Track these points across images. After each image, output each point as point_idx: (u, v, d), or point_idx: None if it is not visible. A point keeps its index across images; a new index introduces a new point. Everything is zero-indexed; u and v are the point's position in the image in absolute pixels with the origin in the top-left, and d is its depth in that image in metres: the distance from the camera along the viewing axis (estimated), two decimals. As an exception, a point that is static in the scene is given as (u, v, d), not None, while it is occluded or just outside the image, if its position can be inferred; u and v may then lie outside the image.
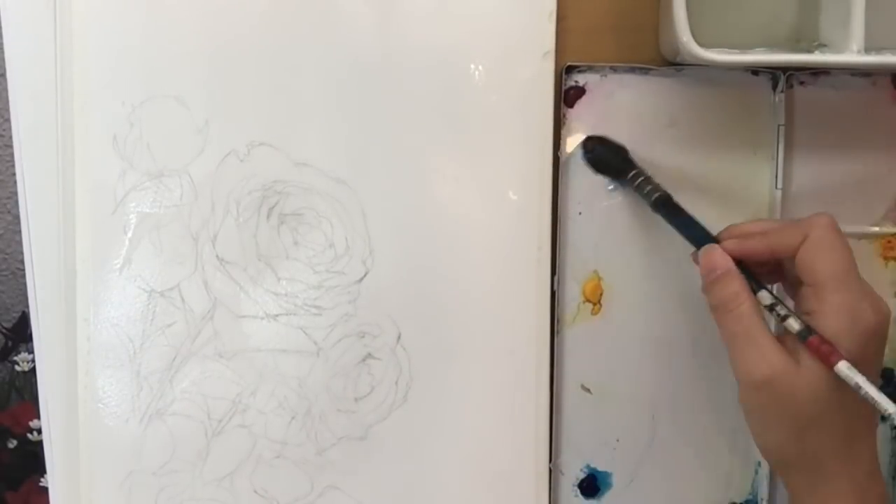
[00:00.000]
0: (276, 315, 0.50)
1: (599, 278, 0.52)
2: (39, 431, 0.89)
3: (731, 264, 0.42)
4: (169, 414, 0.50)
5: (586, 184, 0.51)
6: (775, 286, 0.46)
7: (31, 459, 1.08)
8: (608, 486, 0.53)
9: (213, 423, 0.50)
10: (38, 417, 0.52)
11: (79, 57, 0.49)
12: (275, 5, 0.49)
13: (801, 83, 0.51)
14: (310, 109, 0.50)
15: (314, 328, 0.50)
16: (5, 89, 0.49)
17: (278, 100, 0.49)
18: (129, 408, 0.50)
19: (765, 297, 0.42)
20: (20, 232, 0.50)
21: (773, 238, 0.43)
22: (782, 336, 0.42)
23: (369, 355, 0.51)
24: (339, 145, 0.50)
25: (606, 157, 0.50)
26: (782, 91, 0.51)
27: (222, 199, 0.50)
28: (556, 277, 0.51)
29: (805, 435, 0.41)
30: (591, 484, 0.53)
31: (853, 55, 0.46)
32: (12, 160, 0.49)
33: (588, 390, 0.53)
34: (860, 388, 0.38)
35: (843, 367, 0.39)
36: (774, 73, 0.51)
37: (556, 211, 0.51)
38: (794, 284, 0.44)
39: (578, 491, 0.53)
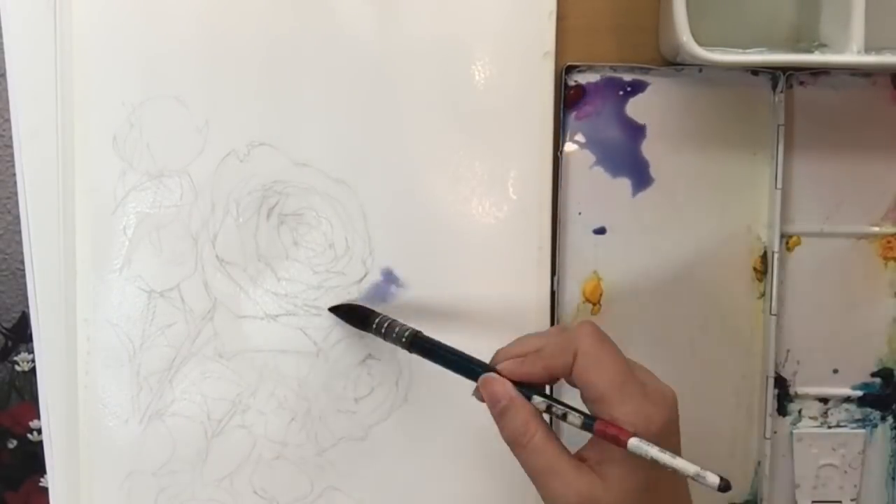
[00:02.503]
0: (276, 315, 0.50)
1: (599, 278, 0.52)
2: (39, 431, 0.89)
3: (512, 392, 0.41)
4: (169, 414, 0.50)
5: (586, 184, 0.51)
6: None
7: (31, 459, 1.08)
8: (608, 486, 0.53)
9: (213, 424, 0.50)
10: (38, 417, 0.52)
11: (79, 57, 0.49)
12: (275, 5, 0.49)
13: (801, 83, 0.51)
14: (310, 109, 0.50)
15: (314, 328, 0.50)
16: (5, 89, 0.49)
17: (278, 100, 0.49)
18: (128, 408, 0.50)
19: (538, 401, 0.41)
20: (20, 232, 0.50)
21: (546, 360, 0.41)
22: (583, 450, 0.41)
23: (369, 356, 0.51)
24: (339, 145, 0.50)
25: (351, 316, 0.49)
26: (782, 91, 0.51)
27: (222, 199, 0.50)
28: (556, 277, 0.51)
29: None
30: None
31: (853, 55, 0.46)
32: (12, 160, 0.49)
33: (588, 390, 0.52)
34: (656, 461, 0.37)
35: (633, 443, 0.37)
36: (774, 73, 0.51)
37: (556, 211, 0.51)
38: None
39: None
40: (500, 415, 0.41)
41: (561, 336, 0.42)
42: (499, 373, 0.42)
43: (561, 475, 0.39)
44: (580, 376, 0.40)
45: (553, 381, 0.42)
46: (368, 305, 0.50)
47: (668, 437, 0.39)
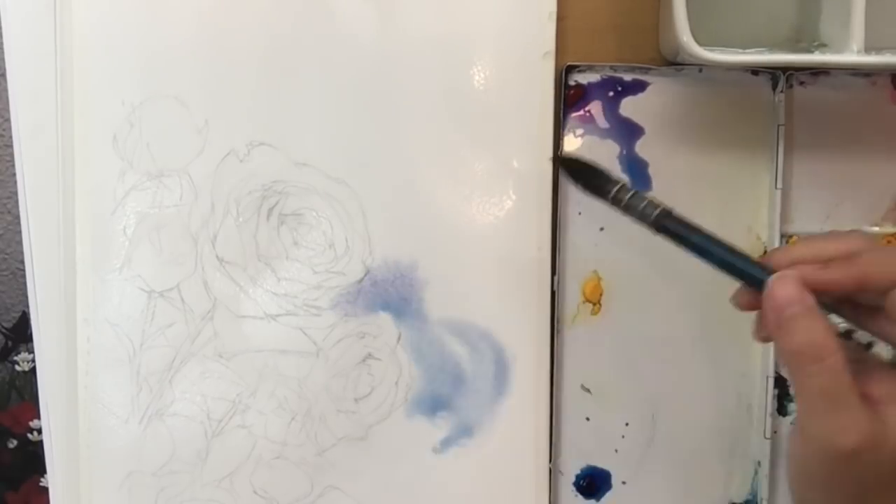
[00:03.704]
0: (276, 315, 0.50)
1: (599, 278, 0.52)
2: (39, 431, 0.89)
3: (811, 300, 0.34)
4: (169, 414, 0.50)
5: (586, 184, 0.51)
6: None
7: (31, 459, 1.08)
8: (608, 486, 0.53)
9: (213, 424, 0.50)
10: (38, 417, 0.52)
11: (79, 57, 0.49)
12: (275, 6, 0.49)
13: (801, 83, 0.51)
14: (310, 109, 0.50)
15: (314, 328, 0.50)
16: (5, 89, 0.49)
17: (278, 100, 0.49)
18: (128, 408, 0.50)
19: (838, 322, 0.35)
20: (20, 232, 0.50)
21: (865, 268, 0.34)
22: (868, 384, 0.34)
23: (369, 355, 0.51)
24: (339, 145, 0.50)
25: (582, 175, 0.43)
26: (782, 91, 0.51)
27: (222, 199, 0.50)
28: (556, 277, 0.51)
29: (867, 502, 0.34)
30: (591, 484, 0.53)
31: (853, 55, 0.46)
32: (12, 160, 0.49)
33: (588, 390, 0.53)
34: None
35: None
36: (774, 73, 0.51)
37: (556, 211, 0.51)
38: (865, 315, 0.36)
39: (578, 491, 0.53)
40: (788, 321, 0.34)
41: (880, 247, 0.36)
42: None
43: (850, 408, 0.33)
44: None
45: (856, 294, 0.35)
46: (368, 305, 0.50)
47: None
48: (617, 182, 0.40)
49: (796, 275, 0.35)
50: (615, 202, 0.40)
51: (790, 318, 0.34)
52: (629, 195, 0.39)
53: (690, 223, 0.38)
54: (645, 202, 0.39)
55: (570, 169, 0.43)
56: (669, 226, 0.38)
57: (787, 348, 0.35)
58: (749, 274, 0.36)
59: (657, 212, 0.39)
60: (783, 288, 0.35)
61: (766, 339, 0.37)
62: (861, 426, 0.33)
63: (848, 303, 0.36)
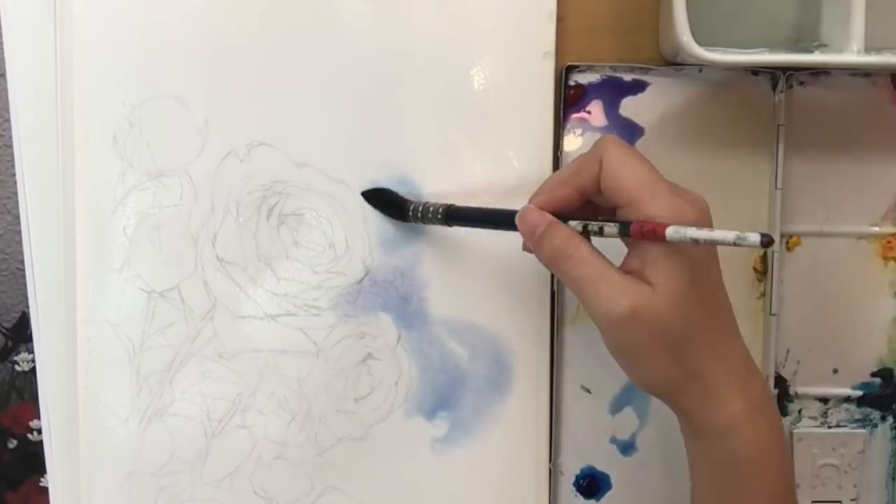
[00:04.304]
0: (276, 315, 0.50)
1: (599, 278, 0.52)
2: (39, 431, 0.89)
3: (548, 217, 0.41)
4: (168, 414, 0.50)
5: (586, 184, 0.51)
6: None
7: (31, 459, 1.08)
8: (608, 486, 0.53)
9: (213, 424, 0.50)
10: (38, 417, 0.52)
11: (79, 57, 0.49)
12: (274, 5, 0.49)
13: (801, 83, 0.51)
14: (310, 109, 0.50)
15: (314, 329, 0.50)
16: (5, 89, 0.49)
17: (278, 100, 0.49)
18: (128, 408, 0.50)
19: (574, 224, 0.41)
20: (20, 232, 0.50)
21: (573, 179, 0.42)
22: (624, 264, 0.41)
23: (369, 356, 0.51)
24: (339, 145, 0.50)
25: (384, 201, 0.49)
26: (782, 91, 0.51)
27: (222, 199, 0.50)
28: (556, 277, 0.51)
29: (681, 354, 0.39)
30: (591, 484, 0.53)
31: (853, 55, 0.46)
32: (12, 160, 0.49)
33: (588, 390, 0.53)
34: (697, 240, 0.37)
35: (671, 231, 0.37)
36: (774, 73, 0.51)
37: (556, 211, 0.51)
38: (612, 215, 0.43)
39: (578, 491, 0.53)
40: (539, 240, 0.41)
41: (585, 154, 0.42)
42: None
43: (611, 280, 0.39)
44: (607, 182, 0.40)
45: (584, 198, 0.42)
46: (368, 305, 0.50)
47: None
48: (409, 202, 0.48)
49: (532, 206, 0.42)
50: (414, 219, 0.48)
51: (538, 237, 0.41)
52: (420, 208, 0.47)
53: (466, 208, 0.46)
54: (430, 207, 0.47)
55: (372, 200, 0.50)
56: (453, 216, 0.46)
57: (545, 259, 0.41)
58: (511, 218, 0.43)
59: (441, 210, 0.46)
60: (527, 216, 0.42)
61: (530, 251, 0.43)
62: (627, 290, 0.39)
63: (588, 208, 0.43)
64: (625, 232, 0.39)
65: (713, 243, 0.37)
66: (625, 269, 0.40)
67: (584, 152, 0.43)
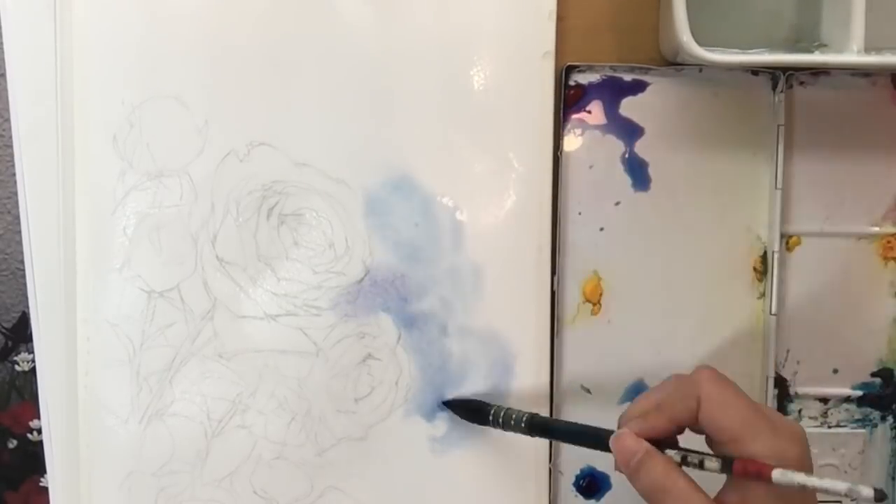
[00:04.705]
0: (276, 315, 0.50)
1: (599, 278, 0.52)
2: (39, 431, 0.89)
3: (645, 444, 0.40)
4: (168, 414, 0.50)
5: (586, 184, 0.51)
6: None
7: (31, 459, 1.08)
8: (608, 486, 0.53)
9: (213, 424, 0.50)
10: (38, 417, 0.52)
11: (79, 57, 0.49)
12: (275, 5, 0.49)
13: (801, 83, 0.51)
14: (310, 109, 0.50)
15: (314, 329, 0.50)
16: (5, 89, 0.49)
17: (278, 100, 0.49)
18: (128, 408, 0.50)
19: (672, 454, 0.40)
20: (20, 232, 0.50)
21: (669, 411, 0.41)
22: (721, 495, 0.40)
23: (369, 356, 0.51)
24: (339, 145, 0.50)
25: (466, 410, 0.50)
26: (782, 91, 0.51)
27: (222, 199, 0.50)
28: (556, 277, 0.51)
29: None
30: (591, 484, 0.53)
31: (853, 55, 0.46)
32: (12, 160, 0.49)
33: (588, 390, 0.53)
34: (804, 486, 0.37)
35: (777, 474, 0.37)
36: (774, 73, 0.51)
37: (556, 211, 0.51)
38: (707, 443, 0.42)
39: (578, 491, 0.53)
40: (636, 469, 0.40)
41: (680, 384, 0.41)
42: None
43: None
44: (707, 421, 0.40)
45: (679, 431, 0.41)
46: (368, 305, 0.50)
47: (804, 470, 0.38)
48: (491, 406, 0.49)
49: (628, 431, 0.41)
50: (495, 424, 0.48)
51: (635, 466, 0.40)
52: (502, 414, 0.47)
53: (551, 420, 0.48)
54: (513, 415, 0.47)
55: (456, 408, 0.50)
56: (537, 427, 0.46)
57: (641, 490, 0.40)
58: (600, 437, 0.42)
59: (525, 419, 0.46)
60: (623, 442, 0.41)
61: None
62: None
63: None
64: (727, 469, 0.39)
65: (822, 490, 0.37)
66: (722, 502, 0.40)
67: (679, 377, 0.42)
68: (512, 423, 0.47)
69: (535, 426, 0.46)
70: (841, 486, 0.36)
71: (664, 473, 0.39)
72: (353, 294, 0.50)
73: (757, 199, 0.52)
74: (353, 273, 0.50)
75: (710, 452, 0.40)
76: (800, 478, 0.37)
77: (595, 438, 0.43)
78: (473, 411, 0.49)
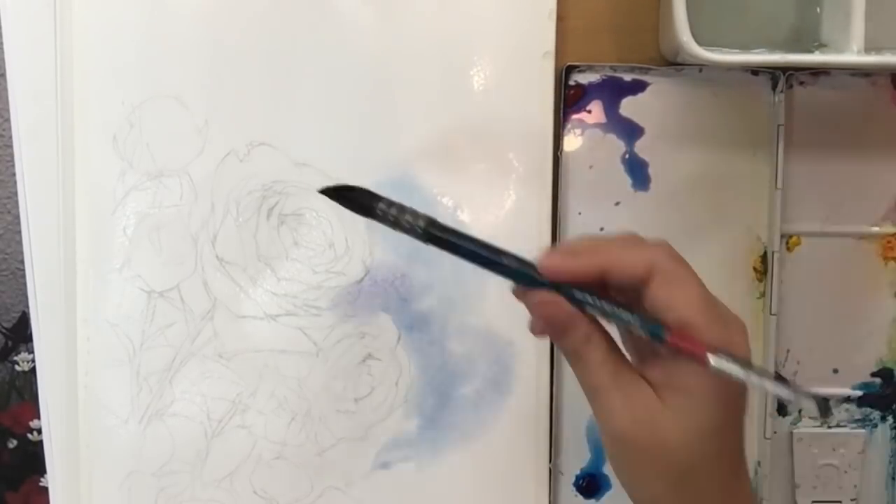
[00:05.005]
0: (276, 315, 0.50)
1: (599, 278, 0.52)
2: (39, 431, 0.89)
3: (569, 309, 0.36)
4: (169, 414, 0.50)
5: (586, 184, 0.51)
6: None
7: (31, 459, 1.08)
8: (608, 486, 0.53)
9: (213, 424, 0.50)
10: (38, 417, 0.52)
11: (79, 57, 0.49)
12: (275, 6, 0.49)
13: (801, 83, 0.51)
14: (310, 109, 0.50)
15: (314, 329, 0.50)
16: (5, 89, 0.49)
17: (278, 100, 0.49)
18: (128, 408, 0.50)
19: (598, 304, 0.36)
20: (20, 232, 0.50)
21: (608, 259, 0.36)
22: (647, 368, 0.36)
23: (369, 356, 0.51)
24: (339, 145, 0.50)
25: (350, 200, 0.39)
26: (782, 91, 0.51)
27: (222, 199, 0.50)
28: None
29: (685, 484, 0.36)
30: (591, 484, 0.53)
31: (853, 55, 0.46)
32: (12, 160, 0.49)
33: (588, 390, 0.52)
34: (743, 381, 0.33)
35: (714, 360, 0.33)
36: (774, 73, 0.51)
37: (556, 211, 0.51)
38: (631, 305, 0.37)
39: (578, 491, 0.53)
40: (560, 333, 0.36)
41: (634, 243, 0.37)
42: (544, 284, 0.36)
43: (618, 393, 0.35)
44: (657, 295, 0.35)
45: (603, 283, 0.36)
46: (368, 305, 0.50)
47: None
48: (383, 199, 0.39)
49: (553, 294, 0.36)
50: (384, 220, 0.38)
51: (558, 333, 0.36)
52: (396, 209, 0.38)
53: (456, 230, 0.38)
54: (410, 213, 0.38)
55: (338, 196, 0.41)
56: (436, 234, 0.38)
57: (561, 350, 0.37)
58: (518, 273, 0.37)
59: (422, 222, 0.37)
60: (544, 309, 0.36)
61: (541, 334, 0.38)
62: (631, 408, 0.35)
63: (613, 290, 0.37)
64: (658, 338, 0.34)
65: (760, 389, 0.34)
66: (644, 374, 0.36)
67: (636, 236, 0.38)
68: (406, 223, 0.37)
69: (433, 235, 0.37)
70: (783, 391, 0.33)
71: (585, 338, 0.36)
72: (353, 294, 0.50)
73: (757, 199, 0.52)
74: (353, 273, 0.50)
75: (646, 316, 0.35)
76: (737, 370, 0.33)
77: (513, 267, 0.37)
78: (358, 203, 0.39)
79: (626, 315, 0.35)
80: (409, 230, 0.38)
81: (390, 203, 0.38)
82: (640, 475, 0.37)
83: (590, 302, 0.36)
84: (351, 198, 0.40)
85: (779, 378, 0.33)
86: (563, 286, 0.36)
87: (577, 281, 0.36)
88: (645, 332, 0.35)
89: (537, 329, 0.38)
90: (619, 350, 0.37)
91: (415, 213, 0.38)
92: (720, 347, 0.34)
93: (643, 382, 0.36)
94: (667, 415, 0.35)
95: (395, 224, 0.38)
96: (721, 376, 0.34)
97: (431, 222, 0.37)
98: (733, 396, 0.36)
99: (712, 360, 0.33)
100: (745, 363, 0.34)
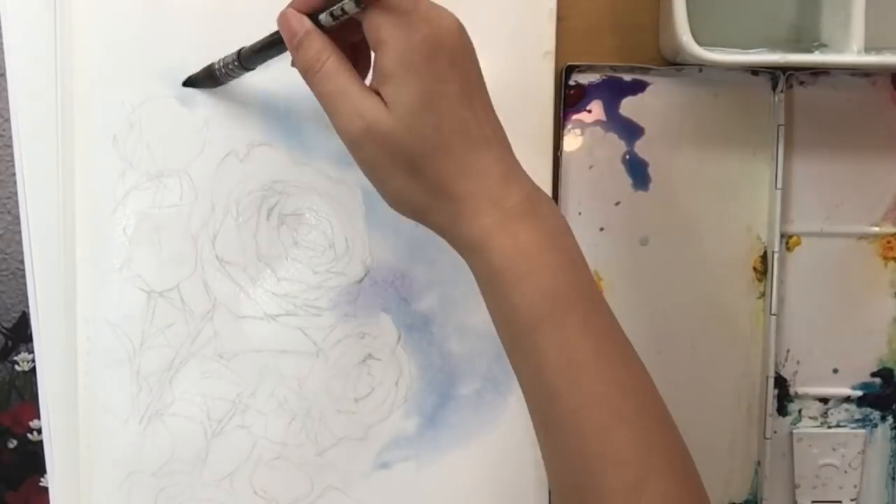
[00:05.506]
0: (276, 315, 0.50)
1: (599, 278, 0.52)
2: (39, 431, 0.89)
3: (306, 24, 0.40)
4: (168, 414, 0.50)
5: (586, 184, 0.51)
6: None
7: (31, 459, 1.08)
8: (608, 486, 0.53)
9: (213, 424, 0.50)
10: (38, 417, 0.52)
11: (79, 57, 0.49)
12: (275, 6, 0.49)
13: (801, 83, 0.51)
14: (310, 109, 0.50)
15: (314, 329, 0.50)
16: (5, 89, 0.49)
17: (278, 100, 0.49)
18: (128, 408, 0.50)
19: (323, 18, 0.40)
20: (20, 232, 0.50)
21: None
22: (372, 81, 0.39)
23: (369, 356, 0.51)
24: (339, 145, 0.50)
25: (198, 79, 0.49)
26: (782, 91, 0.51)
27: (222, 199, 0.50)
28: (556, 277, 0.51)
29: (421, 173, 0.39)
30: (591, 484, 0.53)
31: (853, 55, 0.46)
32: (12, 160, 0.49)
33: (588, 390, 0.52)
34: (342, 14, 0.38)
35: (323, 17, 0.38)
36: (774, 73, 0.51)
37: (556, 211, 0.51)
38: None
39: (578, 491, 0.53)
40: (295, 49, 0.40)
41: None
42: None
43: (349, 97, 0.39)
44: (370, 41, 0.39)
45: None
46: (368, 305, 0.50)
47: (435, 57, 0.38)
48: (215, 63, 0.47)
49: (291, 10, 0.40)
50: (222, 78, 0.47)
51: (295, 46, 0.40)
52: (222, 63, 0.46)
53: (256, 44, 0.45)
54: (228, 59, 0.46)
55: (196, 84, 0.49)
56: (247, 57, 0.45)
57: (299, 69, 0.41)
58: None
59: (236, 57, 0.45)
60: (286, 21, 0.40)
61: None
62: (360, 109, 0.38)
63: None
64: (359, 3, 0.38)
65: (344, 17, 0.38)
66: (370, 86, 0.39)
67: None
68: (231, 66, 0.46)
69: (243, 57, 0.45)
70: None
71: (317, 52, 0.39)
72: (353, 294, 0.50)
73: (757, 199, 0.52)
74: (353, 273, 0.50)
75: None
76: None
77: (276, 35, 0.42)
78: (209, 78, 0.48)
79: (338, 8, 0.39)
80: (233, 69, 0.46)
81: (219, 64, 0.47)
82: (382, 173, 0.40)
83: (327, 18, 0.40)
84: (201, 77, 0.48)
85: None
86: (312, 16, 0.40)
87: (317, 6, 0.40)
88: (353, 8, 0.38)
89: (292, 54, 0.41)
90: (350, 67, 0.40)
91: (229, 57, 0.46)
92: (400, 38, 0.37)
93: (370, 92, 0.39)
94: (387, 110, 0.38)
95: (229, 71, 0.46)
96: (415, 63, 0.38)
97: (239, 50, 0.45)
98: (433, 70, 0.38)
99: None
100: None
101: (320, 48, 0.40)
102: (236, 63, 0.46)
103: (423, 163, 0.39)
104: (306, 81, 0.40)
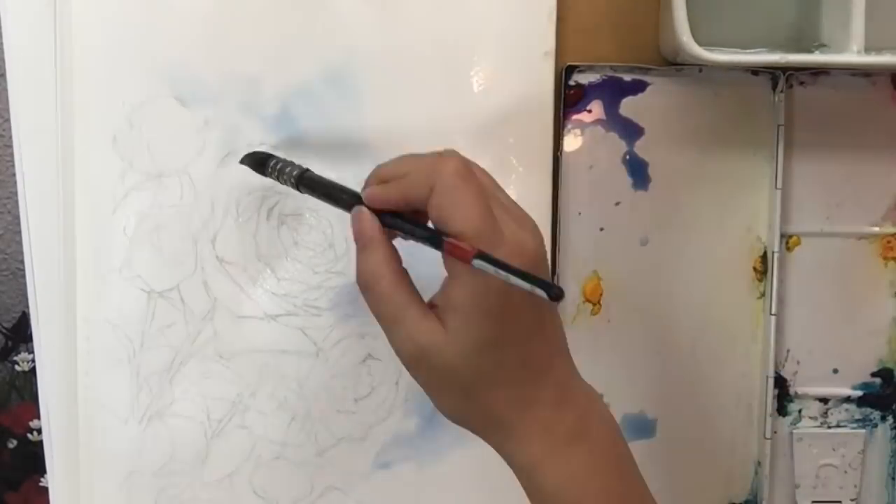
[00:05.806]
0: (276, 315, 0.50)
1: (599, 278, 0.52)
2: (39, 431, 0.89)
3: (374, 232, 0.39)
4: (168, 415, 0.50)
5: (586, 184, 0.51)
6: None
7: (31, 459, 1.08)
8: (608, 486, 0.53)
9: (213, 424, 0.50)
10: (38, 417, 0.52)
11: (79, 57, 0.49)
12: (275, 6, 0.49)
13: (801, 83, 0.51)
14: (310, 109, 0.50)
15: (314, 329, 0.50)
16: (5, 89, 0.49)
17: (278, 99, 0.49)
18: (128, 408, 0.50)
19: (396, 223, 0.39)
20: (20, 232, 0.50)
21: (405, 189, 0.39)
22: (435, 297, 0.39)
23: (369, 356, 0.51)
24: (339, 145, 0.50)
25: (256, 163, 0.47)
26: (782, 91, 0.51)
27: (222, 199, 0.50)
28: (555, 277, 0.51)
29: (474, 399, 0.38)
30: (591, 484, 0.53)
31: (853, 55, 0.46)
32: (12, 160, 0.49)
33: (588, 390, 0.52)
34: (500, 274, 0.34)
35: (477, 262, 0.35)
36: (774, 73, 0.51)
37: (556, 211, 0.51)
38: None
39: (578, 491, 0.53)
40: (360, 251, 0.39)
41: (425, 164, 0.39)
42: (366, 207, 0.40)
43: (404, 324, 0.38)
44: (435, 214, 0.37)
45: (413, 210, 0.39)
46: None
47: (541, 263, 0.38)
48: (273, 157, 0.46)
49: (366, 211, 0.40)
50: (272, 175, 0.45)
51: (360, 248, 0.39)
52: (280, 164, 0.45)
53: (320, 178, 0.43)
54: (287, 168, 0.44)
55: (251, 163, 0.48)
56: (306, 181, 0.43)
57: (356, 273, 0.40)
58: (350, 203, 0.41)
59: (296, 172, 0.44)
60: (357, 223, 0.40)
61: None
62: (414, 336, 0.38)
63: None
64: (435, 243, 0.37)
65: (518, 286, 0.35)
66: (431, 302, 0.39)
67: (427, 164, 0.39)
68: (285, 175, 0.44)
69: (303, 181, 0.43)
70: (524, 284, 0.34)
71: (376, 266, 0.39)
72: (353, 294, 0.50)
73: (757, 199, 0.52)
74: (353, 273, 0.50)
75: (426, 226, 0.38)
76: (491, 268, 0.35)
77: (346, 202, 0.41)
78: (261, 163, 0.46)
79: (420, 231, 0.38)
80: (287, 180, 0.44)
81: (278, 160, 0.45)
82: (435, 393, 0.40)
83: (398, 226, 0.39)
84: (255, 160, 0.47)
85: (534, 278, 0.34)
86: (383, 214, 0.39)
87: (390, 207, 0.39)
88: (428, 244, 0.37)
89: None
90: (407, 283, 0.39)
91: (293, 165, 0.44)
92: (483, 252, 0.35)
93: (428, 312, 0.38)
94: (447, 339, 0.37)
95: (280, 176, 0.44)
96: (490, 293, 0.36)
97: (302, 172, 0.44)
98: (508, 310, 0.37)
99: (474, 262, 0.35)
100: (502, 264, 0.35)
101: (380, 261, 0.39)
102: (292, 181, 0.44)
103: (477, 391, 0.38)
104: (364, 296, 0.40)
